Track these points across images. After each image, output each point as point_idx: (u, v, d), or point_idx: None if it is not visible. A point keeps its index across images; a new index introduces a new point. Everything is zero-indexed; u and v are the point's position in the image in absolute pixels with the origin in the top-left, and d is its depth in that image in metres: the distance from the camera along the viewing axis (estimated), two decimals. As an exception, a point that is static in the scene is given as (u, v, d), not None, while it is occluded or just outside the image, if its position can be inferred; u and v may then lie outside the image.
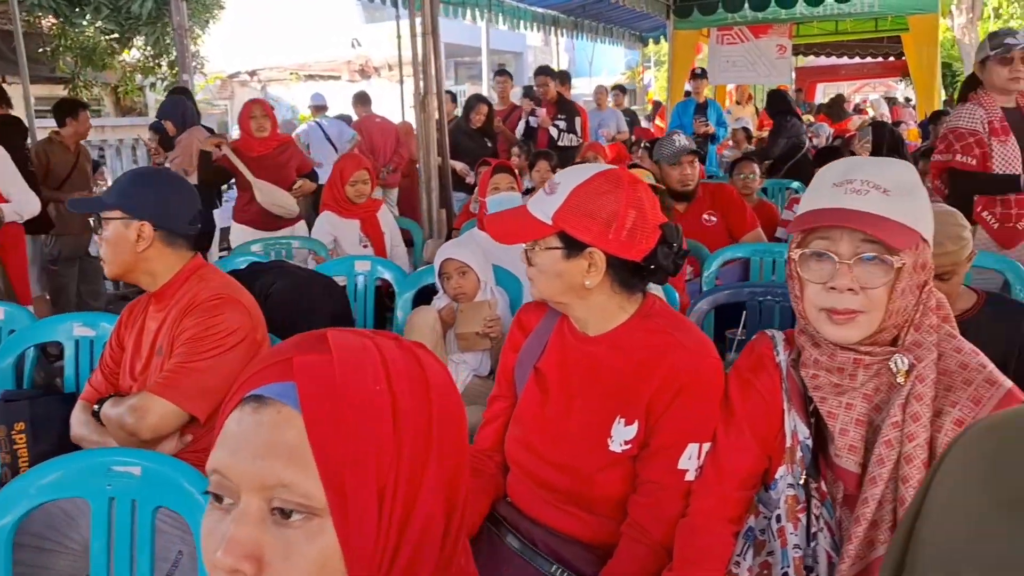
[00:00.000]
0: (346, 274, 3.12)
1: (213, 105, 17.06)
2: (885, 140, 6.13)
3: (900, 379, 1.20)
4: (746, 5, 8.50)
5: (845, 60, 14.73)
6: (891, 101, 14.83)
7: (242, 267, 2.86)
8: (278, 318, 2.07)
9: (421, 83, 4.55)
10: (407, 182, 6.63)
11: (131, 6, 11.32)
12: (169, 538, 1.49)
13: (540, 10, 9.34)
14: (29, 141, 5.32)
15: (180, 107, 5.71)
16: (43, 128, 6.78)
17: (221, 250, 6.27)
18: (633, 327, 1.44)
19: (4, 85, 5.81)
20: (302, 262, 3.69)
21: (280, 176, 4.28)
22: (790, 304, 1.32)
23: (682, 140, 3.62)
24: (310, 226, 4.17)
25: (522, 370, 1.56)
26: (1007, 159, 3.00)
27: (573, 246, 1.38)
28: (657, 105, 13.56)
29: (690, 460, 1.35)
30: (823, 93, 18.20)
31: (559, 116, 6.54)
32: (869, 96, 18.24)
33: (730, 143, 8.62)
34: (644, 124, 11.95)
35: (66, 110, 5.27)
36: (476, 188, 4.41)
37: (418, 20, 4.53)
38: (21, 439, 1.95)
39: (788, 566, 1.26)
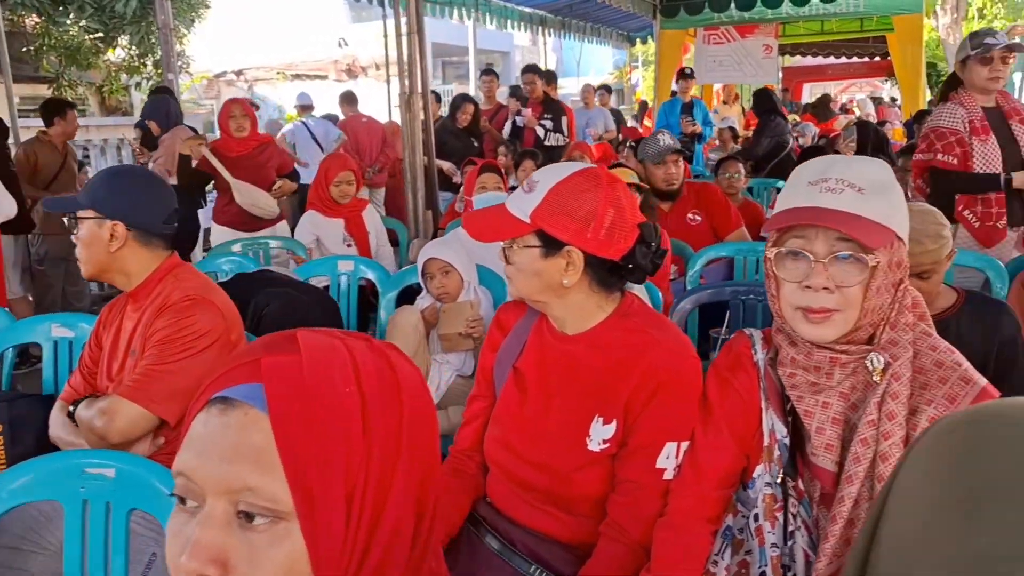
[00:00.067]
0: (329, 274, 3.11)
1: (199, 105, 16.97)
2: (870, 139, 6.17)
3: (876, 377, 1.20)
4: (732, 5, 8.52)
5: (831, 60, 14.79)
6: (877, 101, 14.93)
7: (228, 278, 2.82)
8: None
9: (406, 82, 4.54)
10: (394, 182, 6.61)
11: (115, 5, 11.25)
12: (143, 540, 1.48)
13: (527, 9, 9.32)
14: (12, 140, 5.29)
15: (164, 107, 5.69)
16: (27, 128, 6.74)
17: (205, 250, 6.24)
18: (611, 326, 1.43)
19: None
20: (283, 263, 3.67)
21: (260, 176, 4.25)
22: (774, 303, 1.32)
23: (667, 139, 3.62)
24: (296, 226, 4.15)
25: (501, 369, 1.55)
26: (988, 158, 3.02)
27: (551, 245, 1.38)
28: (644, 105, 13.58)
29: (668, 459, 1.35)
30: (810, 93, 18.28)
31: (545, 115, 6.54)
32: (856, 96, 18.33)
33: (716, 143, 8.64)
34: (631, 124, 11.96)
35: (54, 110, 5.28)
36: (462, 188, 4.41)
37: (403, 19, 4.52)
38: (-1, 440, 1.93)
39: (766, 565, 1.26)
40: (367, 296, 3.27)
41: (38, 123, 5.31)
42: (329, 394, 0.63)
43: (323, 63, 20.73)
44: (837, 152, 5.36)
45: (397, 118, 6.36)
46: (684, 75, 8.45)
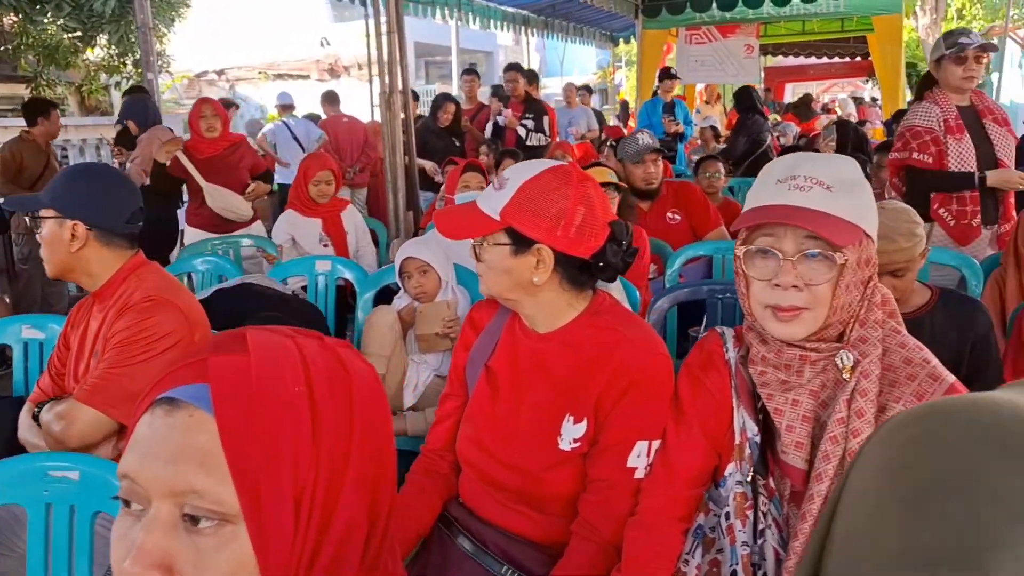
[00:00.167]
0: (306, 274, 3.09)
1: (180, 105, 16.82)
2: (849, 139, 6.21)
3: (846, 375, 1.20)
4: (714, 5, 8.57)
5: (813, 60, 14.89)
6: (858, 101, 15.03)
7: (208, 294, 2.75)
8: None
9: (386, 81, 4.52)
10: (376, 182, 6.59)
11: (93, 4, 11.12)
12: (108, 543, 1.45)
13: (510, 9, 9.32)
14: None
15: (142, 106, 5.64)
16: (4, 128, 6.67)
17: (183, 252, 6.19)
18: (582, 324, 1.43)
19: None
20: (256, 263, 3.65)
21: (232, 178, 4.21)
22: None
23: (645, 138, 3.62)
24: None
25: (473, 368, 1.54)
26: (962, 157, 3.04)
27: (521, 242, 1.37)
28: (625, 105, 13.60)
29: (639, 458, 1.35)
30: (792, 93, 18.40)
31: (527, 115, 6.53)
32: (837, 96, 18.46)
33: (698, 142, 8.66)
34: (614, 123, 11.98)
35: (37, 109, 5.28)
36: (443, 186, 4.39)
37: (383, 18, 4.50)
38: (-35, 443, 1.89)
39: (736, 563, 1.26)
40: (345, 297, 3.25)
41: (16, 123, 5.28)
42: (277, 394, 0.62)
43: (305, 63, 20.63)
44: (817, 151, 5.38)
45: (379, 117, 6.34)
46: (668, 75, 8.47)
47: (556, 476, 1.39)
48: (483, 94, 7.52)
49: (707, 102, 10.92)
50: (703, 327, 2.40)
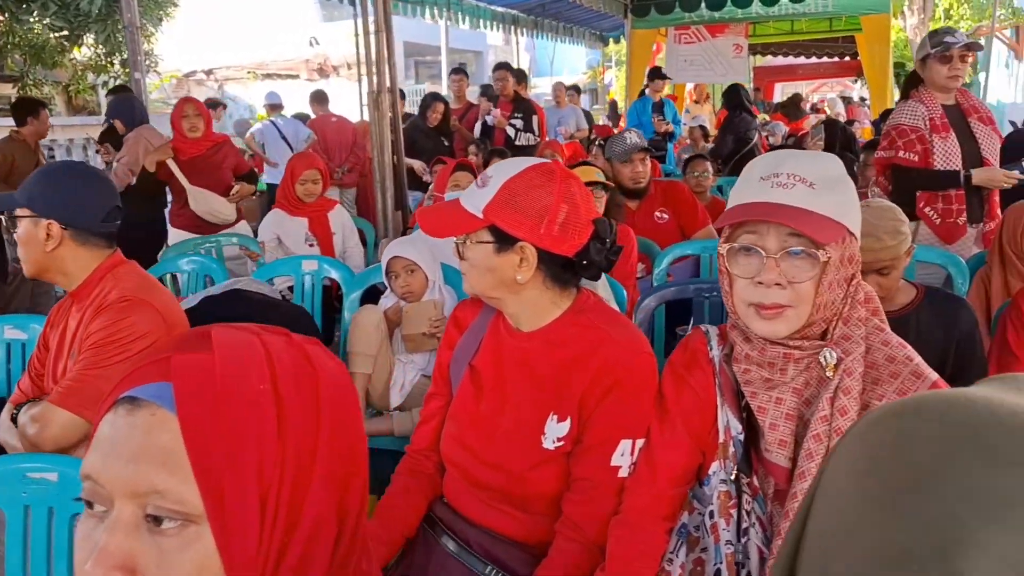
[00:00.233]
0: (293, 273, 3.07)
1: (168, 104, 16.73)
2: (837, 138, 6.23)
3: (829, 373, 1.20)
4: (703, 4, 8.58)
5: (802, 60, 14.94)
6: (847, 100, 15.09)
7: (195, 303, 2.72)
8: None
9: (374, 80, 4.51)
10: (365, 182, 6.57)
11: (79, 3, 11.04)
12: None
13: (500, 9, 9.32)
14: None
15: (129, 105, 5.60)
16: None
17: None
18: (566, 322, 1.42)
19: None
20: (241, 263, 3.63)
21: (215, 178, 4.17)
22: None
23: (633, 137, 3.62)
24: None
25: (457, 367, 1.53)
26: (948, 155, 3.05)
27: (504, 240, 1.36)
28: (614, 105, 13.60)
29: (623, 457, 1.34)
30: (782, 92, 18.46)
31: (516, 114, 6.53)
32: (827, 96, 18.53)
33: (687, 141, 8.68)
34: (604, 123, 11.99)
35: (27, 109, 5.28)
36: (432, 185, 4.38)
37: (371, 17, 4.49)
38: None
39: (721, 562, 1.25)
40: (331, 297, 3.23)
41: (5, 122, 5.27)
42: (241, 392, 0.61)
43: (294, 62, 20.56)
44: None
45: (367, 117, 6.33)
46: (658, 75, 8.48)
47: (540, 475, 1.38)
48: (472, 93, 7.52)
49: (696, 102, 10.95)
50: (690, 326, 2.40)
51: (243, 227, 4.31)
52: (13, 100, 7.30)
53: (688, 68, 9.60)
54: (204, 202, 4.04)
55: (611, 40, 12.30)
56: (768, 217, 1.18)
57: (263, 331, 0.67)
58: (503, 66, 6.89)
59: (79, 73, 12.96)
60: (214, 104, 9.92)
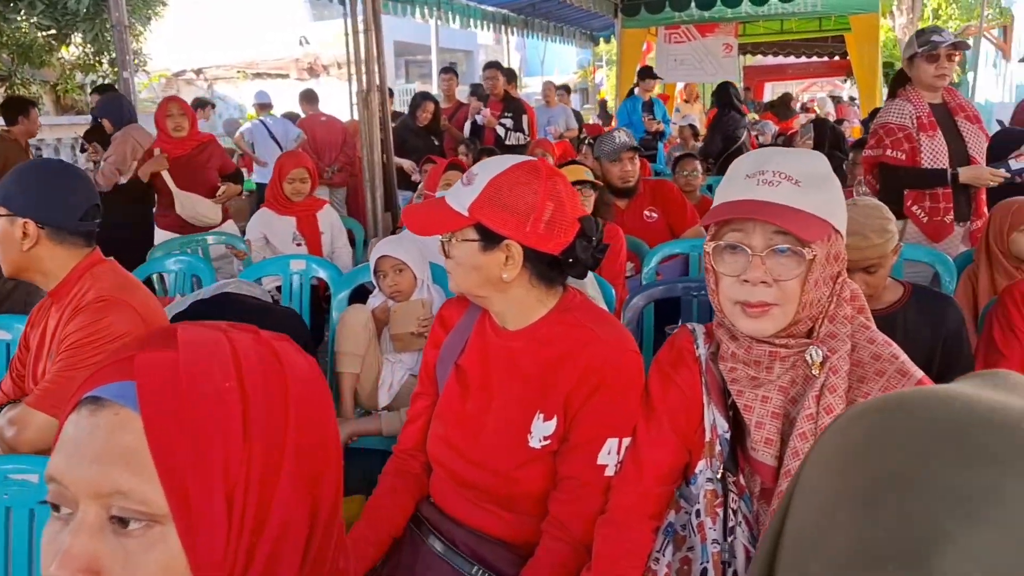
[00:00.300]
0: (281, 273, 3.06)
1: (157, 104, 16.70)
2: (826, 137, 6.25)
3: (815, 371, 1.19)
4: (693, 4, 8.59)
5: (792, 59, 14.98)
6: (836, 100, 15.13)
7: (185, 306, 2.69)
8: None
9: (364, 79, 4.49)
10: (355, 181, 6.55)
11: (67, 2, 10.99)
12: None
13: (490, 8, 9.31)
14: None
15: (117, 104, 5.56)
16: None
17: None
18: (552, 321, 1.41)
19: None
20: (228, 262, 3.60)
21: (200, 179, 4.15)
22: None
23: (622, 136, 3.62)
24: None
25: (443, 367, 1.53)
26: (935, 154, 3.06)
27: (490, 238, 1.35)
28: (604, 104, 13.60)
29: (609, 455, 1.34)
30: (772, 92, 18.50)
31: (506, 113, 6.52)
32: (816, 95, 18.59)
33: (677, 140, 8.69)
34: (594, 122, 11.99)
35: (17, 108, 5.27)
36: (421, 184, 4.37)
37: (360, 16, 4.48)
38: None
39: (707, 561, 1.25)
40: (319, 297, 3.22)
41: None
42: (206, 391, 0.60)
43: (284, 61, 20.49)
44: (794, 150, 5.40)
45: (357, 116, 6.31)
46: (649, 74, 8.48)
47: (526, 474, 1.38)
48: (462, 93, 7.51)
49: (686, 101, 10.97)
50: (679, 325, 2.39)
51: (230, 226, 4.29)
52: (2, 99, 7.26)
53: (678, 67, 9.61)
54: (191, 207, 4.02)
55: (601, 40, 12.32)
56: (754, 215, 1.17)
57: (231, 328, 0.66)
58: (493, 65, 6.89)
59: (67, 72, 12.89)
60: (203, 103, 9.87)
